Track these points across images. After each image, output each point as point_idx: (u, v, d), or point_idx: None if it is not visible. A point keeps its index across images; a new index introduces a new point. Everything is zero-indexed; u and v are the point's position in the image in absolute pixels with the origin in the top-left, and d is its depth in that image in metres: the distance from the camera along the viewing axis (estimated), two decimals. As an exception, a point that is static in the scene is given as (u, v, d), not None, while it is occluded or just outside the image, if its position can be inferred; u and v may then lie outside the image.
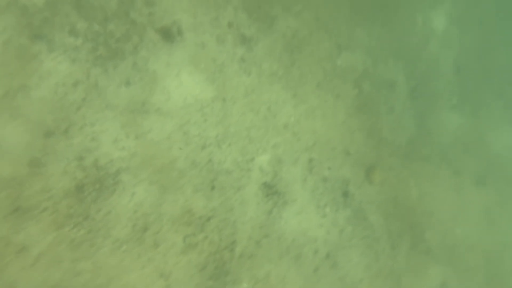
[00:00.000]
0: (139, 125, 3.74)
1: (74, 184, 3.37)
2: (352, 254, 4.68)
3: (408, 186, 5.02)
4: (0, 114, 3.16)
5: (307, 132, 4.69)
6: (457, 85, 5.59)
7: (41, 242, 3.23)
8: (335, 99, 4.89)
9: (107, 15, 3.60)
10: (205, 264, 3.87)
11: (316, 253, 4.47)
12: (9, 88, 3.21)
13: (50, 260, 3.24)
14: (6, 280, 3.11)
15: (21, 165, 3.21)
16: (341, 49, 4.97)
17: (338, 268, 4.58)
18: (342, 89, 4.94)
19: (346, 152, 4.83)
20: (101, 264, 3.41)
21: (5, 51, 3.22)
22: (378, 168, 4.94)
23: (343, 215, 4.62)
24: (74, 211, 3.35)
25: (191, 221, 3.83)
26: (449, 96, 5.53)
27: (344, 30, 5.00)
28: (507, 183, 5.62)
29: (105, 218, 3.47)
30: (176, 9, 4.02)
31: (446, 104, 5.50)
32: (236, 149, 4.27)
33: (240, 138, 4.31)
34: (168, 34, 3.98)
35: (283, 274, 4.26)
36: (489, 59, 5.93)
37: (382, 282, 4.83)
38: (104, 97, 3.57)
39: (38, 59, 3.29)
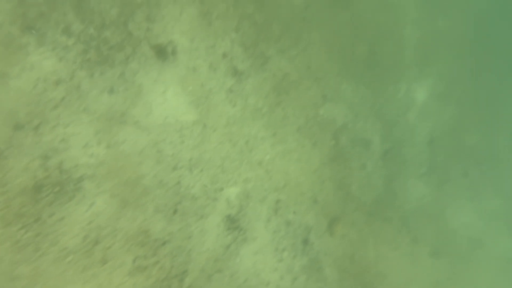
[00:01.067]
0: (114, 135, 3.67)
1: (32, 183, 3.22)
2: (301, 304, 4.61)
3: (367, 245, 5.07)
4: (-29, 97, 3.05)
5: (280, 172, 4.72)
6: (428, 156, 5.83)
7: (-19, 237, 3.03)
8: (312, 146, 4.99)
9: (105, 22, 3.61)
10: (151, 290, 3.72)
11: (266, 296, 4.38)
12: (-12, 72, 3.11)
13: (-14, 259, 3.03)
14: None
15: (-21, 153, 3.06)
16: (325, 99, 5.13)
17: (285, 315, 4.49)
18: (320, 138, 5.05)
19: (313, 199, 4.87)
20: (42, 271, 3.21)
21: (-7, 35, 3.15)
22: (341, 221, 4.99)
23: (300, 263, 4.59)
24: (26, 211, 3.18)
25: (146, 243, 3.70)
26: (419, 165, 5.75)
27: (331, 83, 5.19)
28: (460, 260, 5.78)
29: (57, 223, 3.31)
30: (175, 30, 4.08)
31: (415, 172, 5.71)
32: (207, 176, 4.23)
33: (213, 166, 4.29)
34: (162, 52, 4.01)
35: (228, 313, 4.13)
36: (461, 137, 6.26)
37: (326, 337, 4.76)
38: (84, 101, 3.51)
39: (25, 50, 3.22)
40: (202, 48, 4.29)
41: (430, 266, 5.52)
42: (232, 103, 4.48)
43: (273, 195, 4.64)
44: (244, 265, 4.25)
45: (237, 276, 4.22)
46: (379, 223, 5.23)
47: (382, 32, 5.66)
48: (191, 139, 4.16)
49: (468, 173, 6.17)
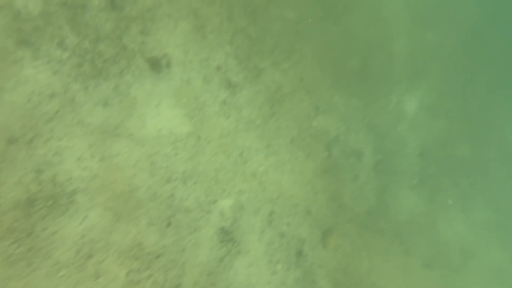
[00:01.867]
0: (107, 147, 3.67)
1: (25, 197, 3.19)
2: (295, 316, 4.60)
3: (360, 257, 5.09)
4: (-36, 110, 3.03)
5: (273, 184, 4.75)
6: (419, 167, 5.91)
7: (-28, 252, 2.99)
8: (305, 157, 5.03)
9: (99, 36, 3.63)
10: (144, 304, 3.68)
11: (260, 309, 4.36)
12: (-19, 86, 3.10)
13: (-24, 274, 2.99)
14: None
15: (-28, 167, 3.04)
16: (318, 111, 5.19)
17: (279, 328, 4.48)
18: (314, 149, 5.10)
19: (307, 211, 4.89)
20: (34, 287, 3.17)
21: (-13, 48, 3.15)
22: (335, 233, 5.01)
23: (293, 275, 4.59)
24: (19, 225, 3.15)
25: (139, 256, 3.68)
26: (411, 176, 5.82)
27: (324, 95, 5.26)
28: (451, 271, 5.83)
29: (49, 237, 3.28)
30: (169, 43, 4.12)
31: (407, 183, 5.77)
32: (201, 189, 4.24)
33: (207, 178, 4.30)
34: (157, 65, 4.04)
35: (222, 326, 4.11)
36: (451, 149, 6.36)
37: None
38: (78, 114, 3.51)
39: (20, 64, 3.23)
40: (196, 61, 4.33)
41: (423, 277, 5.55)
42: (226, 115, 4.51)
43: (267, 206, 4.65)
44: (238, 278, 4.24)
45: (231, 289, 4.21)
46: (372, 234, 5.26)
47: (373, 45, 5.77)
48: (185, 151, 4.17)
49: (458, 184, 6.26)
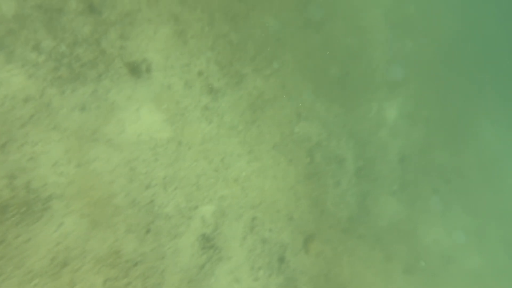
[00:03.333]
0: (85, 153, 3.60)
1: (-5, 203, 3.10)
2: (277, 323, 4.55)
3: (341, 263, 5.10)
4: None
5: (256, 189, 4.73)
6: (399, 173, 5.98)
7: None
8: (288, 163, 5.03)
9: (77, 39, 3.58)
10: (121, 313, 3.59)
11: (241, 317, 4.30)
12: (-48, 89, 3.02)
13: None
14: None
15: None
16: (300, 117, 5.22)
17: (261, 336, 4.42)
18: (296, 155, 5.11)
19: (289, 216, 4.88)
20: (3, 297, 3.06)
21: (-41, 51, 3.07)
22: (317, 239, 5.00)
23: (275, 282, 4.55)
24: (-12, 233, 3.05)
25: (117, 264, 3.59)
26: (391, 182, 5.88)
27: (306, 101, 5.29)
28: (432, 276, 5.88)
29: (22, 245, 3.18)
30: (149, 48, 4.09)
31: (387, 189, 5.83)
32: (182, 194, 4.19)
33: (188, 184, 4.25)
34: (136, 70, 4.00)
35: (202, 335, 4.03)
36: (431, 156, 6.46)
37: None
38: (54, 118, 3.44)
39: (-7, 67, 3.15)
40: (177, 66, 4.31)
41: (404, 283, 5.58)
42: (208, 121, 4.49)
43: (249, 212, 4.63)
44: (219, 285, 4.18)
45: (211, 297, 4.14)
46: (353, 240, 5.28)
47: (353, 53, 5.86)
48: (165, 157, 4.13)
49: (438, 190, 6.35)
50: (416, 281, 5.66)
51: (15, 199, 3.20)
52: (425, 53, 6.77)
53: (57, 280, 3.31)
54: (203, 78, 4.49)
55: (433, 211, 6.19)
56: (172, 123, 4.22)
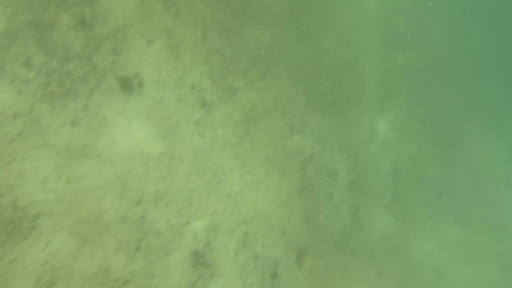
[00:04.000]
0: (74, 169, 3.54)
1: (-19, 223, 3.02)
2: None
3: (334, 278, 5.06)
4: None
5: (248, 204, 4.69)
6: (391, 186, 6.00)
7: None
8: (280, 176, 5.01)
9: (68, 54, 3.55)
10: (110, 333, 3.51)
11: (233, 334, 4.24)
12: None
13: None
14: None
15: None
16: (293, 130, 5.22)
17: None
18: (289, 168, 5.10)
19: (282, 231, 4.85)
20: (-13, 319, 2.97)
21: None
22: (309, 253, 4.97)
23: (268, 298, 4.51)
24: (-28, 253, 2.97)
25: (106, 283, 3.52)
26: (383, 195, 5.90)
27: (298, 114, 5.30)
28: (424, 291, 5.90)
29: (8, 265, 3.10)
30: (142, 62, 4.07)
31: (379, 202, 5.84)
32: (173, 210, 4.13)
33: (180, 198, 4.20)
34: (128, 84, 3.97)
35: None
36: (422, 168, 6.50)
37: None
38: (43, 134, 3.38)
39: (-19, 83, 3.10)
40: (170, 80, 4.29)
41: (396, 297, 5.57)
42: (201, 134, 4.46)
43: (242, 227, 4.58)
44: (211, 302, 4.12)
45: (203, 315, 4.08)
46: (346, 254, 5.25)
47: (345, 67, 5.90)
48: (157, 172, 4.08)
49: (429, 204, 6.38)
50: (409, 296, 5.66)
51: (1, 218, 3.12)
52: (416, 67, 6.85)
53: (44, 300, 3.23)
54: (196, 92, 4.47)
55: (424, 224, 6.20)
56: (164, 137, 4.19)
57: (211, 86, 4.60)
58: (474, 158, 7.38)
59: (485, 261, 6.66)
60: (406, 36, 6.77)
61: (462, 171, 7.04)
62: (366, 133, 5.95)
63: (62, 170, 3.46)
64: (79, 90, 3.61)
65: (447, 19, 7.56)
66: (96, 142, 3.70)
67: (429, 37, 7.16)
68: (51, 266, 3.27)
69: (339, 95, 5.75)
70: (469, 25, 7.89)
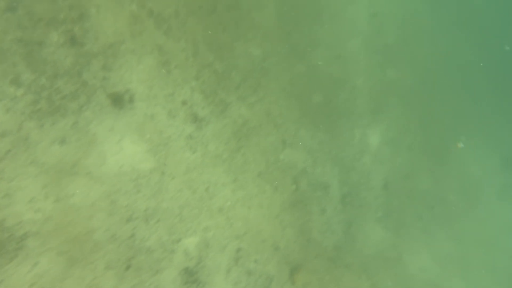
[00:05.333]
0: (63, 187, 3.48)
1: (-35, 245, 2.95)
2: None
3: (328, 295, 5.02)
4: None
5: (241, 219, 4.65)
6: (384, 200, 6.01)
7: None
8: (273, 191, 4.99)
9: (58, 72, 3.52)
10: None
11: None
12: None
13: None
14: None
15: None
16: (285, 145, 5.22)
17: None
18: (281, 182, 5.08)
19: (275, 246, 4.81)
20: None
21: None
22: (303, 269, 4.93)
23: (261, 316, 4.44)
24: (-44, 277, 2.89)
25: (95, 304, 3.45)
26: (376, 208, 5.89)
27: (290, 129, 5.31)
28: (418, 306, 5.86)
29: (-7, 288, 3.02)
30: (132, 78, 4.06)
31: (372, 216, 5.83)
32: (164, 227, 4.08)
33: (171, 215, 4.16)
34: (119, 100, 3.95)
35: None
36: (414, 182, 6.53)
37: None
38: (32, 153, 3.33)
39: (-32, 102, 3.06)
40: (161, 96, 4.28)
41: (390, 313, 5.53)
42: (192, 150, 4.44)
43: (234, 243, 4.54)
44: (203, 321, 4.05)
45: (195, 335, 4.00)
46: (339, 269, 5.22)
47: (336, 81, 5.95)
48: (147, 188, 4.04)
49: (421, 217, 6.39)
50: (403, 311, 5.61)
51: (-12, 238, 3.06)
52: (405, 80, 6.93)
53: (31, 323, 3.14)
54: (187, 107, 4.47)
55: (418, 237, 6.20)
56: (155, 153, 4.16)
57: (202, 101, 4.60)
58: (465, 170, 7.43)
59: (478, 274, 6.66)
60: (396, 50, 6.87)
61: (453, 184, 7.08)
62: (358, 147, 5.97)
63: (50, 189, 3.40)
64: (68, 108, 3.58)
65: (436, 33, 7.69)
66: (86, 159, 3.65)
67: (418, 51, 7.27)
68: (38, 288, 3.19)
69: (330, 109, 5.78)
70: (458, 39, 8.04)
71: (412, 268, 5.95)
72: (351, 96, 6.07)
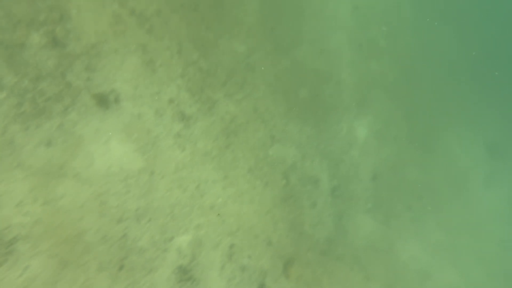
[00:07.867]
0: (51, 190, 3.45)
1: (-48, 251, 2.90)
2: None
3: (322, 286, 5.05)
4: None
5: (233, 215, 4.66)
6: (373, 191, 6.07)
7: None
8: (264, 186, 5.01)
9: (41, 74, 3.49)
10: None
11: None
12: None
13: None
14: None
15: None
16: (274, 140, 5.25)
17: None
18: (271, 178, 5.10)
19: (268, 241, 4.83)
20: None
21: None
22: (296, 262, 4.96)
23: (256, 310, 4.46)
24: None
25: (88, 305, 3.42)
26: (365, 200, 5.95)
27: (278, 124, 5.34)
28: (410, 294, 5.95)
29: (-18, 294, 2.98)
30: (117, 78, 4.03)
31: (362, 208, 5.89)
32: (156, 226, 4.07)
33: (162, 214, 4.14)
34: (104, 101, 3.93)
35: None
36: (402, 173, 6.61)
37: None
38: (18, 156, 3.29)
39: (-51, 106, 3.01)
40: (147, 95, 4.26)
41: (384, 301, 5.59)
42: (181, 148, 4.43)
43: (227, 240, 4.54)
44: (198, 318, 4.05)
45: (191, 332, 3.99)
46: (332, 262, 5.26)
47: (321, 75, 5.99)
48: (137, 188, 4.02)
49: (411, 207, 6.47)
50: (396, 299, 5.68)
51: (-25, 244, 3.01)
52: (389, 73, 7.02)
53: (24, 328, 3.11)
54: (174, 106, 4.46)
55: (408, 227, 6.29)
56: (144, 153, 4.14)
57: (189, 99, 4.59)
58: (451, 159, 7.55)
59: (468, 261, 6.78)
60: (379, 43, 6.95)
61: (440, 173, 7.19)
62: (345, 140, 6.03)
63: (38, 192, 3.37)
64: (53, 109, 3.55)
65: (419, 27, 7.80)
66: (73, 161, 3.62)
67: (401, 44, 7.37)
68: (29, 292, 3.15)
69: (317, 104, 5.83)
70: (440, 30, 8.16)
71: (403, 257, 6.02)
72: (336, 89, 6.12)
